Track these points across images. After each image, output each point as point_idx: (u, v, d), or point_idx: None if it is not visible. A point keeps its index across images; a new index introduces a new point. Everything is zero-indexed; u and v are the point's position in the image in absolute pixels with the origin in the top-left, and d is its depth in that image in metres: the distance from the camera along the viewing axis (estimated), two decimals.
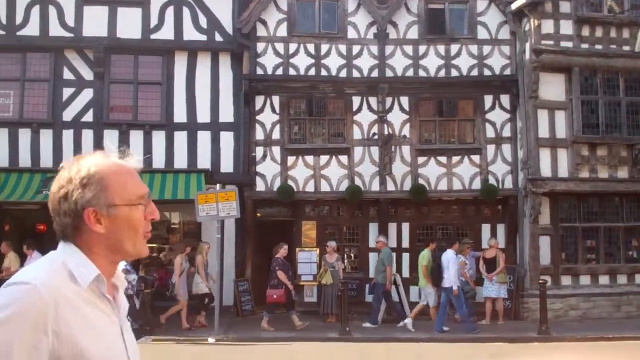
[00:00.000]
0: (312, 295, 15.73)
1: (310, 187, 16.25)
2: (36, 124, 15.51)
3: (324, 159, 16.32)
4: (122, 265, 1.87)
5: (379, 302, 14.69)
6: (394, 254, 16.05)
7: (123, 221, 1.66)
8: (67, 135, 15.48)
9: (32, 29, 15.56)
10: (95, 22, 15.64)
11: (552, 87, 16.23)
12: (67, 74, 15.73)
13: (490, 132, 16.61)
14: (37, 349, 1.49)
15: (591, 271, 16.17)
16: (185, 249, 14.15)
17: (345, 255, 16.50)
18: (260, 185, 16.15)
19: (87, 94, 15.69)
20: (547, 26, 16.18)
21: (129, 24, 15.76)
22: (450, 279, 13.63)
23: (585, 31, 16.37)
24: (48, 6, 15.61)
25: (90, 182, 1.65)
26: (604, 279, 16.17)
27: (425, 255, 14.44)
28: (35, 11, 15.60)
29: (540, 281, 14.27)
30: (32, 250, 12.61)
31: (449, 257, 13.81)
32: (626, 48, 16.29)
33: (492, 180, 16.47)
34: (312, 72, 16.38)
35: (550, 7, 16.22)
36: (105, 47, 15.60)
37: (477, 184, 16.44)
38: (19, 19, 15.56)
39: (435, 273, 14.03)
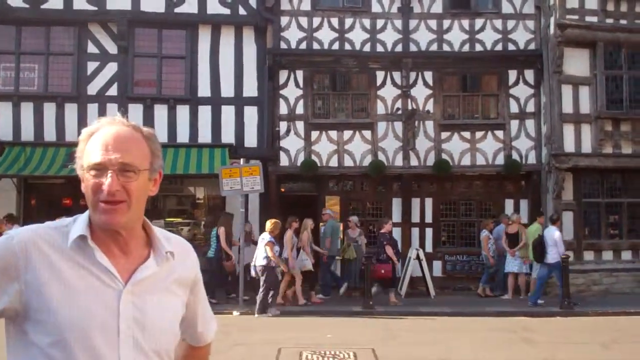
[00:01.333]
0: (335, 270, 15.86)
1: (333, 162, 16.37)
2: (61, 97, 15.64)
3: (347, 134, 16.41)
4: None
5: (324, 273, 14.88)
6: (416, 229, 16.25)
7: (84, 183, 1.73)
8: (92, 109, 15.59)
9: (56, 3, 15.64)
10: None
11: (577, 62, 16.23)
12: (92, 48, 15.84)
13: (514, 107, 16.66)
14: (4, 291, 1.63)
15: (614, 247, 16.30)
16: (292, 224, 14.01)
17: (369, 230, 16.59)
18: (284, 160, 16.28)
19: (112, 68, 15.79)
20: (572, 1, 16.14)
21: None
22: (554, 255, 13.65)
23: (610, 6, 16.33)
24: None
25: (81, 142, 1.76)
26: (626, 255, 16.31)
27: (535, 230, 14.48)
28: None
29: (563, 256, 14.36)
30: (12, 225, 12.63)
31: (553, 233, 13.87)
32: None
33: (515, 156, 16.55)
34: (335, 46, 16.43)
35: None
36: (129, 20, 15.68)
37: (500, 160, 16.53)
38: None
39: (538, 248, 14.04)
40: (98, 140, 1.71)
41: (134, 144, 1.74)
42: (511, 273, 15.08)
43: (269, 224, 12.86)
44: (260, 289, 12.47)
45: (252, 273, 13.01)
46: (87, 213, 1.72)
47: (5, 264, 1.63)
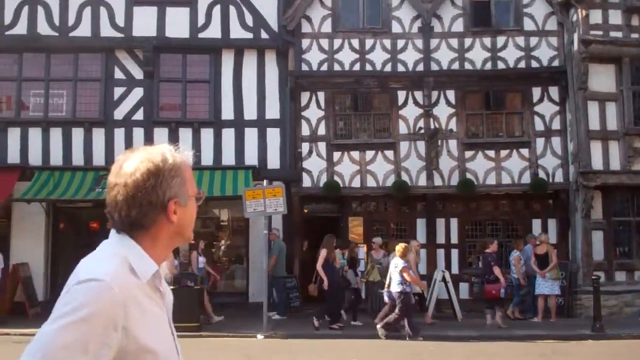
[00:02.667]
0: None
1: (356, 183, 16.49)
2: (88, 122, 16.16)
3: (369, 154, 16.55)
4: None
5: (278, 293, 14.99)
6: (442, 250, 16.16)
7: (190, 211, 1.78)
8: (119, 133, 16.10)
9: (84, 30, 16.29)
10: (144, 22, 16.30)
11: (602, 78, 16.15)
12: (118, 74, 16.39)
13: (539, 125, 16.61)
14: (107, 345, 1.56)
15: None
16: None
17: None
18: (306, 181, 16.46)
19: (138, 93, 16.28)
20: (596, 16, 16.13)
21: (177, 24, 16.37)
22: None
23: (635, 21, 16.30)
24: (99, 7, 16.34)
25: (177, 174, 1.74)
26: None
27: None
28: (87, 12, 16.34)
29: (593, 277, 14.10)
30: None
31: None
32: None
33: (542, 174, 16.44)
34: (356, 67, 16.68)
35: None
36: (155, 46, 16.22)
37: (526, 178, 16.44)
38: (71, 20, 16.30)
39: None
40: (188, 166, 1.81)
41: None
42: (541, 295, 14.80)
43: (399, 248, 12.75)
44: (395, 314, 12.41)
45: (386, 298, 13.05)
46: (135, 244, 1.71)
47: (113, 317, 1.58)
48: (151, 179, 1.70)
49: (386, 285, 12.85)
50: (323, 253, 13.64)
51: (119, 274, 1.63)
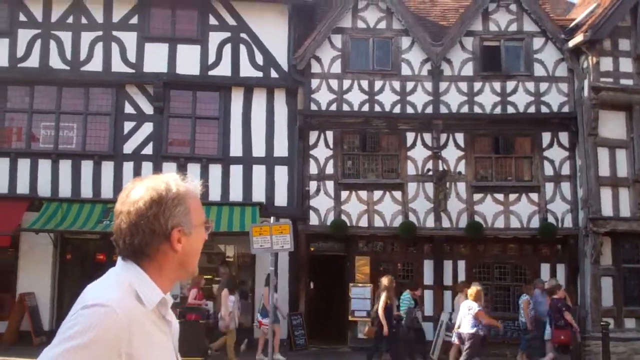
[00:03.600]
0: None
1: (363, 222, 16.47)
2: (98, 156, 16.28)
3: (377, 194, 16.56)
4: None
5: None
6: (448, 292, 16.04)
7: (196, 241, 1.79)
8: (127, 167, 16.21)
9: (95, 65, 16.55)
10: (155, 59, 16.55)
11: (612, 125, 16.25)
12: (128, 108, 16.57)
13: (548, 170, 16.62)
14: None
15: None
16: (464, 289, 13.68)
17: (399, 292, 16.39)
18: (313, 220, 16.45)
19: (147, 128, 16.42)
20: (606, 63, 16.31)
21: (188, 61, 16.61)
22: None
23: None
24: (111, 43, 16.61)
25: (181, 203, 1.76)
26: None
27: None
28: (99, 48, 16.60)
29: (602, 323, 13.99)
30: None
31: None
32: None
33: (551, 219, 16.40)
34: (365, 107, 16.82)
35: (609, 45, 16.38)
36: (165, 82, 16.42)
37: (535, 223, 16.39)
38: (83, 55, 16.56)
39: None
40: (198, 199, 1.85)
41: None
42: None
43: (472, 291, 12.50)
44: (463, 356, 12.26)
45: (455, 340, 12.91)
46: (143, 273, 1.73)
47: (117, 342, 1.59)
48: (154, 207, 1.72)
49: (456, 327, 12.71)
50: (384, 297, 13.26)
51: (125, 300, 1.64)
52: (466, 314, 12.29)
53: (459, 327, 12.46)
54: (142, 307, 1.67)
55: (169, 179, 1.80)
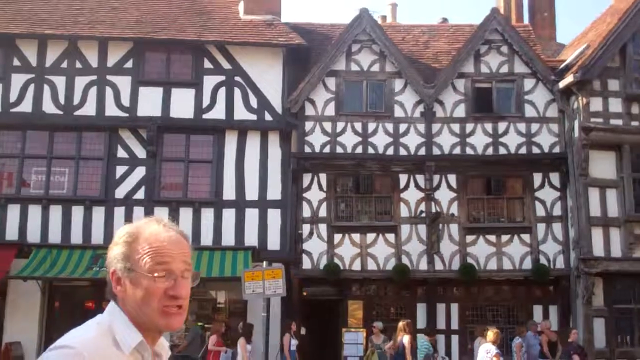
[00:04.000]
0: None
1: (356, 266, 16.50)
2: (89, 201, 16.24)
3: (370, 237, 16.59)
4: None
5: None
6: (442, 336, 16.03)
7: (139, 288, 1.67)
8: (119, 212, 16.15)
9: (88, 109, 16.56)
10: (149, 102, 16.60)
11: (603, 165, 16.42)
12: (121, 152, 16.56)
13: (540, 211, 16.73)
14: None
15: None
16: (484, 332, 13.66)
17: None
18: (306, 263, 16.46)
19: (140, 172, 16.41)
20: (596, 104, 16.49)
21: (182, 104, 16.66)
22: None
23: (635, 109, 16.68)
24: (104, 87, 16.62)
25: (119, 243, 1.71)
26: None
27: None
28: (93, 92, 16.62)
29: None
30: None
31: None
32: None
33: (543, 260, 16.50)
34: (359, 149, 16.88)
35: (598, 85, 16.57)
36: (159, 126, 16.42)
37: (527, 264, 16.48)
38: (76, 99, 16.56)
39: None
40: (155, 243, 1.69)
41: (188, 248, 1.76)
42: None
43: (491, 334, 12.48)
44: None
45: None
46: (123, 315, 1.69)
47: None
48: (110, 248, 1.73)
49: None
50: (408, 338, 13.28)
51: (96, 342, 1.60)
52: (484, 357, 12.32)
53: None
54: (118, 352, 1.62)
55: (139, 222, 1.76)
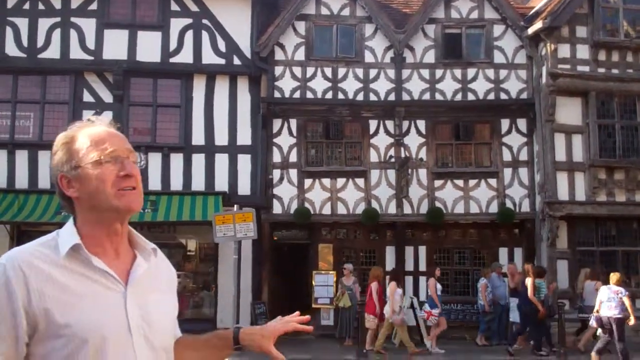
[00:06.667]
0: (329, 319, 16.03)
1: (326, 210, 16.68)
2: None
3: (340, 182, 16.76)
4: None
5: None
6: (410, 278, 16.41)
7: (90, 180, 1.75)
8: None
9: (52, 52, 16.25)
10: (115, 46, 16.33)
11: (569, 111, 16.70)
12: (87, 97, 16.35)
13: (507, 156, 17.02)
14: (9, 319, 1.62)
15: None
16: (593, 275, 14.35)
17: (362, 279, 16.71)
18: (277, 208, 16.58)
19: (107, 117, 16.00)
20: (564, 50, 16.68)
21: (149, 48, 16.43)
22: None
23: (602, 55, 16.87)
24: (69, 30, 16.31)
25: (58, 149, 1.80)
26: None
27: None
28: (57, 35, 16.29)
29: (559, 304, 14.49)
30: None
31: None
32: None
33: (509, 204, 16.85)
34: (329, 95, 16.90)
35: (566, 32, 16.74)
36: (125, 70, 16.22)
37: (494, 208, 16.84)
38: (40, 42, 16.25)
39: None
40: (94, 136, 1.79)
41: (124, 137, 1.87)
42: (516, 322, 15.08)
43: (616, 277, 12.74)
44: (605, 338, 12.53)
45: (593, 323, 13.02)
46: (70, 223, 1.78)
47: (8, 295, 1.63)
48: (51, 159, 1.82)
49: (595, 310, 12.90)
50: (529, 282, 13.78)
51: (22, 253, 1.69)
52: (614, 298, 12.50)
53: (597, 311, 12.70)
54: (54, 256, 1.70)
55: (72, 125, 1.85)
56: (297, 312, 2.07)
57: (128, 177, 1.78)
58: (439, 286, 14.58)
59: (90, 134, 1.80)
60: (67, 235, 1.74)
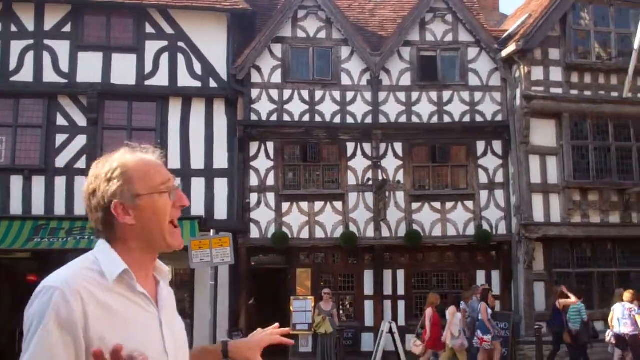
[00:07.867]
0: (308, 346, 15.86)
1: (304, 234, 16.61)
2: (28, 170, 15.76)
3: (318, 205, 16.71)
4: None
5: None
6: (388, 302, 16.36)
7: (150, 210, 1.77)
8: (60, 181, 15.76)
9: (26, 75, 16.00)
10: (89, 68, 16.14)
11: (543, 133, 16.93)
12: (61, 120, 16.10)
13: (483, 178, 17.16)
14: (73, 349, 1.60)
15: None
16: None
17: (340, 304, 16.64)
18: (254, 232, 16.46)
19: (81, 140, 16.01)
20: (537, 73, 16.93)
21: (124, 70, 16.27)
22: None
23: (575, 78, 17.17)
24: (42, 52, 16.09)
25: (114, 176, 1.77)
26: (599, 325, 16.46)
27: None
28: (30, 57, 16.06)
29: (535, 327, 14.56)
30: None
31: None
32: (615, 94, 17.16)
33: (485, 226, 16.95)
34: (306, 118, 16.91)
35: (539, 55, 17.00)
36: (100, 93, 16.03)
37: (471, 230, 16.91)
38: (12, 64, 15.99)
39: None
40: (151, 165, 1.81)
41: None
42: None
43: (629, 294, 12.92)
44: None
45: (609, 339, 13.03)
46: (108, 247, 1.76)
47: (67, 321, 1.60)
48: (90, 186, 1.79)
49: (611, 327, 13.03)
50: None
51: (76, 277, 1.66)
52: (628, 315, 12.66)
53: (616, 328, 12.85)
54: (104, 281, 1.70)
55: (111, 155, 1.83)
56: (277, 324, 2.23)
57: (182, 207, 1.85)
58: (489, 310, 14.35)
59: (144, 163, 1.81)
60: (111, 260, 1.74)
